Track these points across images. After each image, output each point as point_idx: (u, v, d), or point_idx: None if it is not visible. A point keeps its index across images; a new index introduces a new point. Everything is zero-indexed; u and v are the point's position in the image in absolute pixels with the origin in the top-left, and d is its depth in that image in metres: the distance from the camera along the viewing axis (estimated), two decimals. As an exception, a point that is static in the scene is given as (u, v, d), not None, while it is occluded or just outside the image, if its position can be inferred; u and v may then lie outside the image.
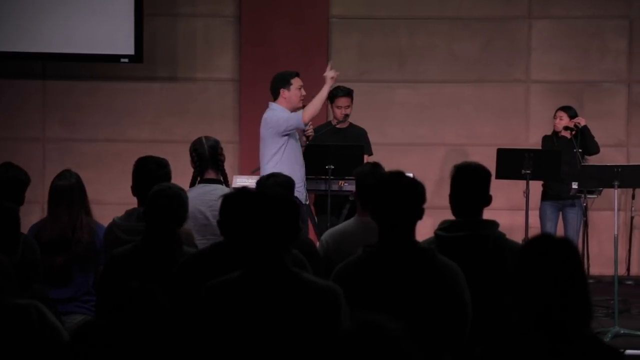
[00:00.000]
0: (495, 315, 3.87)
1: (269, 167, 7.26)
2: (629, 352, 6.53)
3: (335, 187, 7.86)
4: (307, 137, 7.76)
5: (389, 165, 4.74)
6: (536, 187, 8.67)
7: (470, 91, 10.11)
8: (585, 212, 8.66)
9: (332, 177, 7.78)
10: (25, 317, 3.79)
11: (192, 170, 6.03)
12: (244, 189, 4.27)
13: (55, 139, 10.14)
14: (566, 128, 8.74)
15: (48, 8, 9.61)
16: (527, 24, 10.09)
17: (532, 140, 9.69)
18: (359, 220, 5.09)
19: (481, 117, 10.10)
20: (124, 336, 3.31)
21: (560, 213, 8.86)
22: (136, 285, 3.41)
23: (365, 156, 8.14)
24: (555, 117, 8.87)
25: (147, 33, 9.75)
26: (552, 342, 2.74)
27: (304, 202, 7.43)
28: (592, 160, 8.76)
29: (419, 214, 3.81)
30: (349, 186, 7.74)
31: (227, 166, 6.22)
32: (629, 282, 9.44)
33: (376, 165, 5.30)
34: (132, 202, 5.36)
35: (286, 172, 7.03)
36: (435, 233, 4.28)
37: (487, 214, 4.34)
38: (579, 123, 8.68)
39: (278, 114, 7.41)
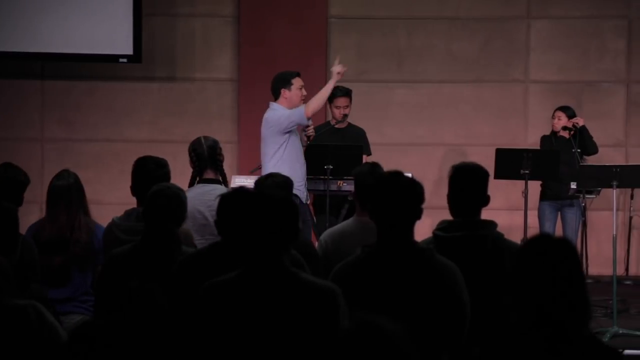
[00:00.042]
0: (493, 315, 3.87)
1: (269, 166, 7.27)
2: (627, 352, 6.54)
3: (334, 187, 7.86)
4: (308, 137, 7.75)
5: (387, 165, 4.74)
6: (535, 187, 8.68)
7: (468, 91, 10.11)
8: (583, 212, 8.66)
9: (330, 177, 7.77)
10: (24, 317, 3.79)
11: (191, 170, 6.03)
12: (241, 189, 4.27)
13: (54, 139, 10.14)
14: (565, 128, 8.74)
15: (47, 8, 9.61)
16: (526, 24, 10.10)
17: (531, 140, 9.69)
18: (358, 220, 5.09)
19: (480, 117, 10.10)
20: (123, 336, 3.31)
21: (559, 213, 8.86)
22: (135, 285, 3.41)
23: (364, 156, 8.13)
24: (553, 117, 8.87)
25: (145, 33, 9.75)
26: (550, 342, 2.74)
27: (304, 201, 7.43)
28: (591, 160, 8.76)
29: (417, 214, 3.81)
30: (347, 186, 7.74)
31: (226, 166, 6.22)
32: (628, 282, 9.44)
33: (375, 165, 5.30)
34: (131, 202, 5.36)
35: (287, 170, 7.06)
36: (433, 233, 4.29)
37: (486, 214, 4.35)
38: (577, 123, 8.68)
39: (279, 113, 7.40)
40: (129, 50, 9.63)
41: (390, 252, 3.76)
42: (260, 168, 7.58)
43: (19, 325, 3.77)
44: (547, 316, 2.75)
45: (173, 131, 9.98)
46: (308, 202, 7.63)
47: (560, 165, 8.24)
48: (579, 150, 8.57)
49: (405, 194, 3.80)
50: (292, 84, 7.50)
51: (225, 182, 6.07)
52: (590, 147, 8.72)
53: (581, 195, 8.44)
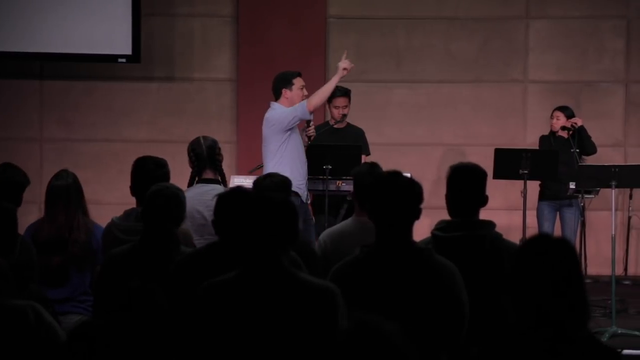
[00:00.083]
0: (492, 315, 3.87)
1: (271, 165, 7.28)
2: (626, 352, 6.54)
3: (332, 187, 7.86)
4: (309, 137, 7.75)
5: (386, 165, 4.74)
6: (534, 187, 8.68)
7: (467, 91, 10.11)
8: (582, 212, 8.66)
9: (329, 177, 7.77)
10: (22, 317, 3.78)
11: (189, 170, 6.03)
12: (238, 188, 4.28)
13: (52, 139, 10.14)
14: (563, 128, 8.74)
15: (46, 8, 9.60)
16: (525, 24, 10.10)
17: (530, 140, 9.70)
18: (357, 220, 5.09)
19: (479, 117, 10.10)
20: (122, 336, 3.31)
21: (558, 213, 8.86)
22: (136, 285, 3.41)
23: (363, 156, 8.13)
24: (552, 117, 8.87)
25: (144, 33, 9.75)
26: (549, 342, 2.74)
27: (304, 200, 7.43)
28: (590, 160, 8.76)
29: (416, 214, 3.81)
30: (346, 186, 7.74)
31: (225, 166, 6.22)
32: (627, 282, 9.44)
33: (374, 165, 5.31)
34: (130, 202, 5.35)
35: (288, 169, 7.08)
36: (432, 233, 4.29)
37: (485, 214, 4.35)
38: (575, 124, 8.68)
39: (280, 111, 7.40)
40: (127, 50, 9.63)
41: (389, 252, 3.76)
42: (262, 167, 7.59)
43: (17, 325, 3.77)
44: (546, 316, 2.75)
45: (172, 131, 9.98)
46: (308, 201, 7.63)
47: (559, 165, 8.24)
48: (577, 150, 8.58)
49: (404, 194, 3.80)
50: (293, 84, 7.49)
51: (224, 182, 6.07)
52: (588, 147, 8.72)
53: (580, 195, 8.43)
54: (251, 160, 8.73)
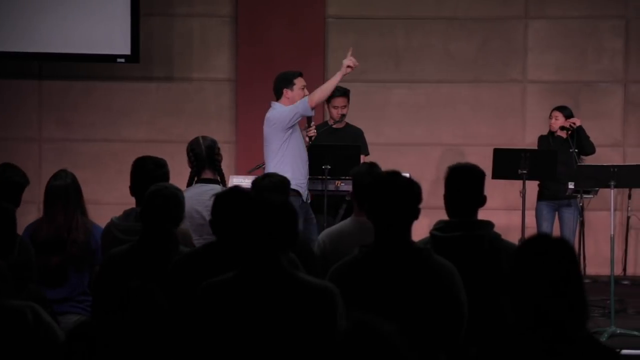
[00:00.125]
0: (490, 315, 3.87)
1: (272, 164, 7.29)
2: (625, 352, 6.53)
3: (331, 187, 7.85)
4: (310, 137, 7.75)
5: (385, 165, 4.75)
6: (532, 187, 8.68)
7: (466, 91, 10.11)
8: (581, 212, 8.67)
9: (328, 177, 7.77)
10: (21, 318, 3.78)
11: (188, 170, 6.03)
12: (235, 188, 4.27)
13: (51, 139, 10.13)
14: (562, 128, 8.74)
15: (44, 8, 9.60)
16: (524, 24, 10.10)
17: (529, 140, 9.70)
18: (356, 220, 5.09)
19: (477, 117, 10.10)
20: (121, 336, 3.31)
21: (557, 213, 8.86)
22: (135, 285, 3.41)
23: (362, 156, 8.13)
24: (551, 117, 8.87)
25: (143, 33, 9.75)
26: (548, 342, 2.74)
27: (304, 200, 7.43)
28: (589, 160, 8.76)
29: (415, 214, 3.81)
30: (345, 186, 7.74)
31: (224, 166, 6.23)
32: (625, 282, 9.45)
33: (373, 165, 5.31)
34: (129, 202, 5.35)
35: (289, 168, 7.10)
36: (430, 233, 4.29)
37: (484, 214, 4.35)
38: (574, 124, 8.69)
39: (281, 109, 7.39)
40: (126, 50, 9.63)
41: (387, 252, 3.76)
42: (261, 167, 7.59)
43: (16, 326, 3.77)
44: (544, 316, 2.75)
45: (171, 131, 9.98)
46: (308, 201, 7.63)
47: (557, 165, 8.23)
48: (576, 150, 8.58)
49: (403, 194, 3.80)
50: (294, 84, 7.49)
51: (223, 182, 6.07)
52: (587, 147, 8.72)
53: (579, 195, 8.44)
54: (250, 160, 8.73)
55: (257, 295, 3.45)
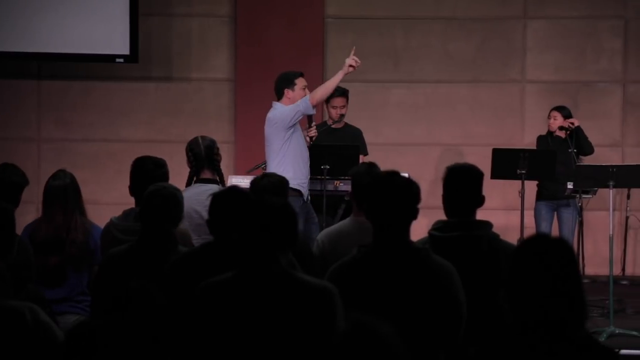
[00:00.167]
0: (489, 315, 3.87)
1: (274, 164, 7.29)
2: (624, 352, 6.53)
3: (330, 187, 7.86)
4: (311, 137, 7.75)
5: (384, 165, 4.75)
6: (531, 187, 8.68)
7: (465, 91, 10.11)
8: (580, 212, 8.67)
9: (327, 177, 7.77)
10: (20, 318, 3.78)
11: (187, 170, 6.03)
12: (232, 188, 4.27)
13: (50, 139, 10.13)
14: (561, 128, 8.75)
15: (43, 8, 9.60)
16: (523, 24, 10.10)
17: (527, 140, 9.70)
18: (355, 220, 5.09)
19: (476, 117, 10.11)
20: (120, 336, 3.31)
21: (555, 213, 8.87)
22: (134, 285, 3.40)
23: (361, 156, 8.13)
24: (549, 117, 8.88)
25: (142, 33, 9.75)
26: (546, 342, 2.74)
27: (305, 200, 7.43)
28: (588, 160, 8.77)
29: (413, 214, 3.81)
30: (344, 186, 7.74)
31: (223, 166, 6.23)
32: (624, 282, 9.45)
33: (372, 165, 5.31)
34: (128, 202, 5.35)
35: (290, 168, 7.10)
36: (429, 233, 4.29)
37: (483, 214, 4.35)
38: (572, 124, 8.69)
39: (282, 109, 7.39)
40: (125, 50, 9.63)
41: (386, 252, 3.76)
42: (261, 166, 7.59)
43: (14, 326, 3.77)
44: (543, 316, 2.75)
45: (170, 131, 9.98)
46: (308, 200, 7.63)
47: (556, 165, 8.24)
48: (575, 150, 8.58)
49: (402, 194, 3.80)
50: (295, 84, 7.49)
51: (222, 182, 6.07)
52: (585, 148, 8.73)
53: (577, 195, 8.44)
54: (249, 160, 8.73)
55: (255, 295, 3.45)
